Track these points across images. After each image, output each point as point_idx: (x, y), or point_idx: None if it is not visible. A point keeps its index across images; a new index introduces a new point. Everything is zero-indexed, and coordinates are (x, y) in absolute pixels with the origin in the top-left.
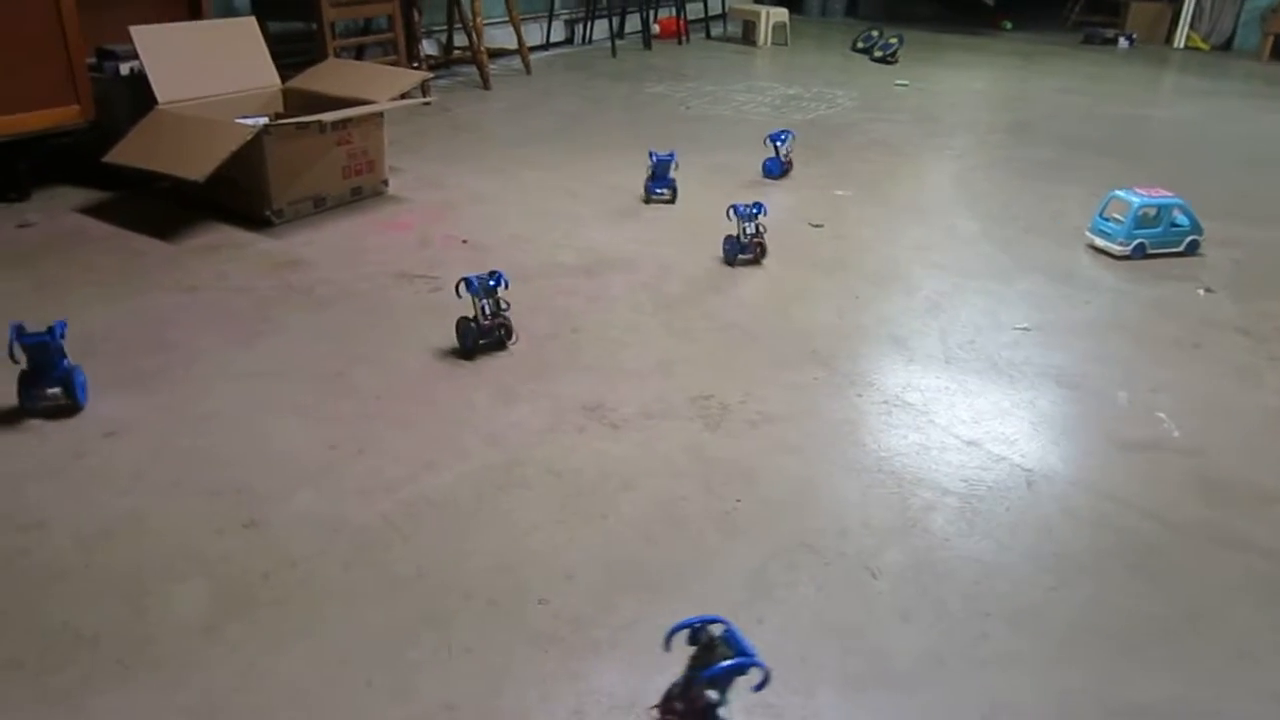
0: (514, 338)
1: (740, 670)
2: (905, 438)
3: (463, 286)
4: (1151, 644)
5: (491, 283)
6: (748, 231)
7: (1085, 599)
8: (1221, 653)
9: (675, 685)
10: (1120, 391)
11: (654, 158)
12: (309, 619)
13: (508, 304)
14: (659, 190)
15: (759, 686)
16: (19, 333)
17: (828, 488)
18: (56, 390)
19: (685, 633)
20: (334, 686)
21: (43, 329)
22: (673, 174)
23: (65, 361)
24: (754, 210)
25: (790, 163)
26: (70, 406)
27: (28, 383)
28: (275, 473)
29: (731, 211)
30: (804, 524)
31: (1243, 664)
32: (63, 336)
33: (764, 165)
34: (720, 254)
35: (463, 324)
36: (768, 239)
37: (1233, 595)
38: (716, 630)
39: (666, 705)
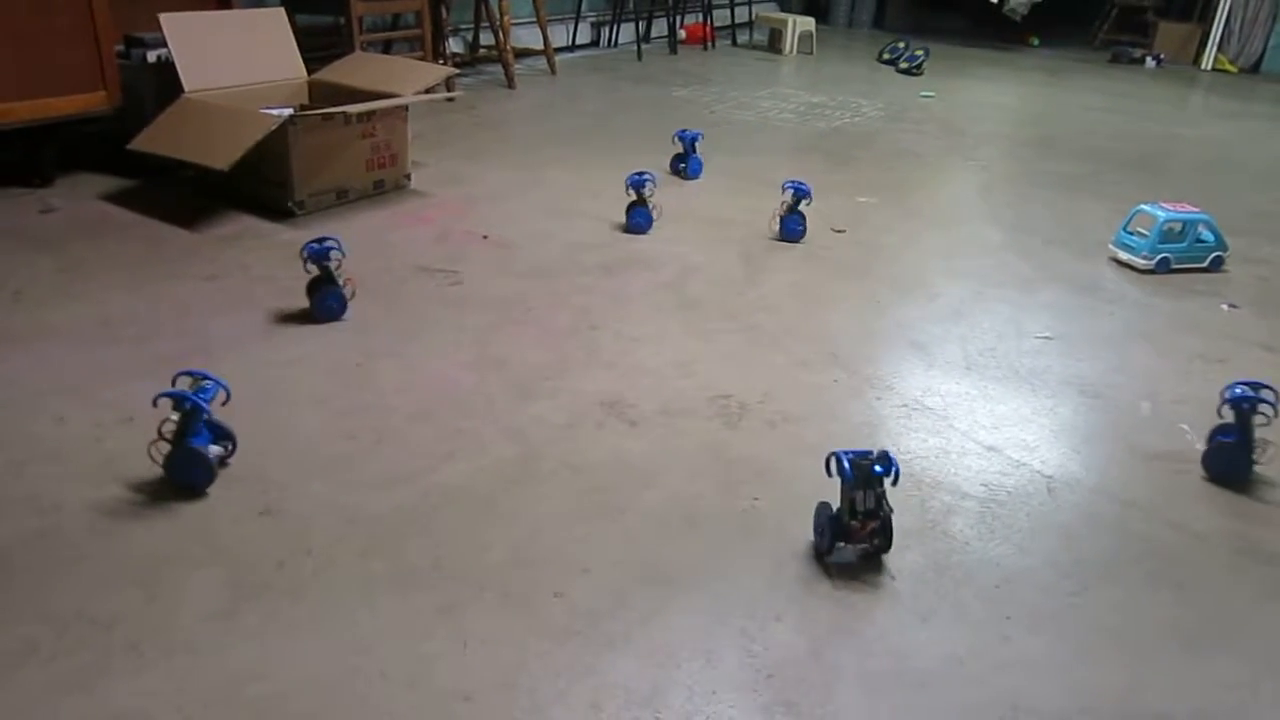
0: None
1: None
2: (925, 441)
3: (305, 253)
4: (1173, 652)
5: (328, 246)
6: (648, 199)
7: (1107, 605)
8: (1243, 662)
9: (836, 512)
10: (1143, 402)
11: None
12: (324, 608)
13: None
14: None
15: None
16: (188, 399)
17: None
18: (219, 448)
19: None
20: (348, 676)
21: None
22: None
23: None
24: (645, 177)
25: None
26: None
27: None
28: (292, 461)
29: (628, 184)
30: None
31: (1265, 673)
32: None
33: (688, 167)
34: (738, 255)
35: (321, 286)
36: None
37: (1255, 604)
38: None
39: (848, 531)
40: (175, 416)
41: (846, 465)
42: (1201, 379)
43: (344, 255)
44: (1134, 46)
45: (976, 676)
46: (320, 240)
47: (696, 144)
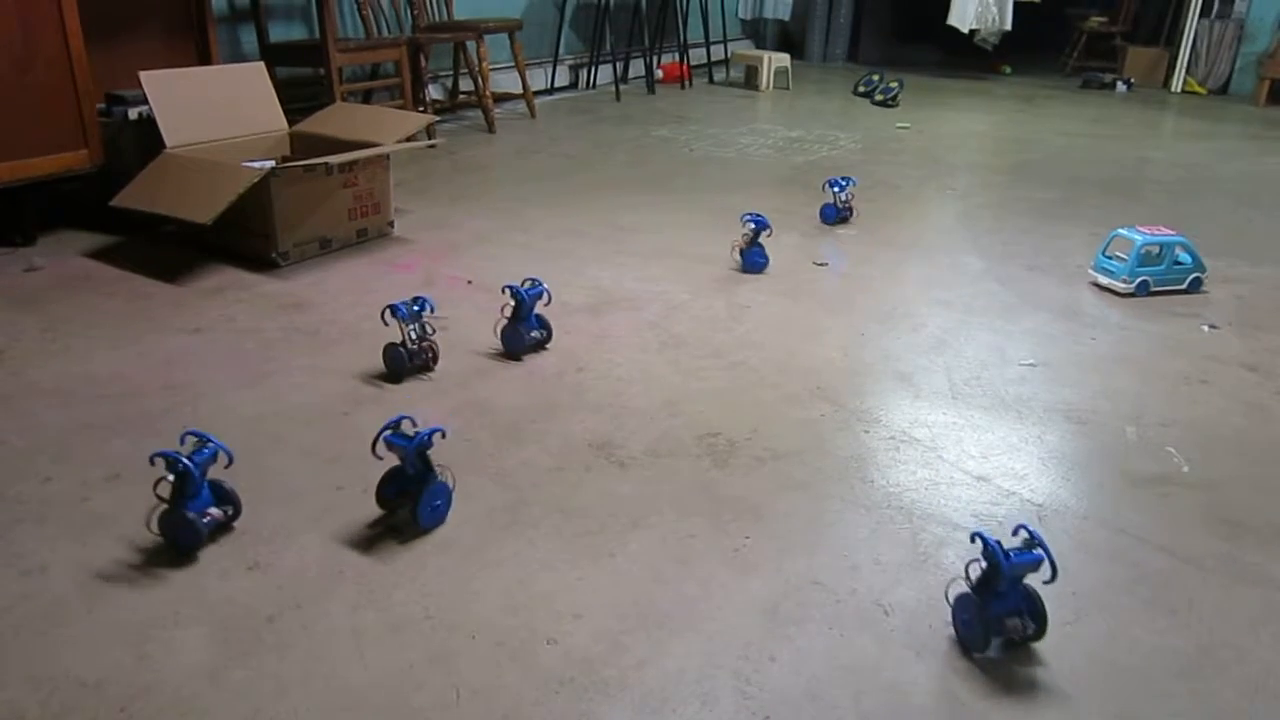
0: (438, 360)
1: None
2: (914, 473)
3: (388, 313)
4: (1170, 679)
5: (417, 308)
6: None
7: (1102, 634)
8: (1240, 687)
9: (399, 344)
10: (1129, 426)
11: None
12: (314, 663)
13: (434, 329)
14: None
15: None
16: (180, 461)
17: (837, 524)
18: (219, 511)
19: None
20: None
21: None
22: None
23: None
24: (538, 289)
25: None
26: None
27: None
28: (280, 514)
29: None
30: (814, 561)
31: (1262, 699)
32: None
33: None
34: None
35: (390, 350)
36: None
37: (1251, 629)
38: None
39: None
40: (170, 477)
41: (400, 307)
42: (1186, 401)
43: (432, 312)
44: (1104, 72)
45: (974, 712)
46: (417, 298)
47: (754, 226)
